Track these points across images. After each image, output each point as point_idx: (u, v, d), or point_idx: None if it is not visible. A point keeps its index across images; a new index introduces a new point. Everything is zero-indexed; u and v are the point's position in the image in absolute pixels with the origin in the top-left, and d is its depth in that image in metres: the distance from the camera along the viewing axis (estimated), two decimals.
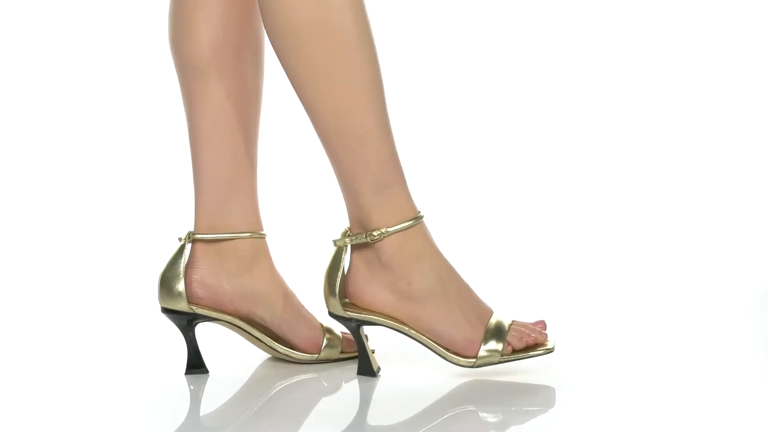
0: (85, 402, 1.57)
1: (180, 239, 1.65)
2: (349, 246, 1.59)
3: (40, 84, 2.82)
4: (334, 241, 1.60)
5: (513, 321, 1.60)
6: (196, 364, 1.65)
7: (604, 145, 2.72)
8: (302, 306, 1.69)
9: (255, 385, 1.62)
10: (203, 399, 1.58)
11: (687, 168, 2.62)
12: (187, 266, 1.64)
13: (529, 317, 1.82)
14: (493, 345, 1.57)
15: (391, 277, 1.58)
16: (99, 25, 2.85)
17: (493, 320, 1.58)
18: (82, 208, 2.59)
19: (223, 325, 1.66)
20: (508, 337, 1.58)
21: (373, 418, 1.50)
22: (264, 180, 1.74)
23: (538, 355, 1.58)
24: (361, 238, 1.58)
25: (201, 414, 1.53)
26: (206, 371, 1.66)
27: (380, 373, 1.62)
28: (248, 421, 1.48)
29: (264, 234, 1.68)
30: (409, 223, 1.57)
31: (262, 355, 1.72)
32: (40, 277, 2.32)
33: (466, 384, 1.57)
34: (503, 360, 1.57)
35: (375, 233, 1.57)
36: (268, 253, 1.68)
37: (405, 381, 1.60)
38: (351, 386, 1.59)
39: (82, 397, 1.59)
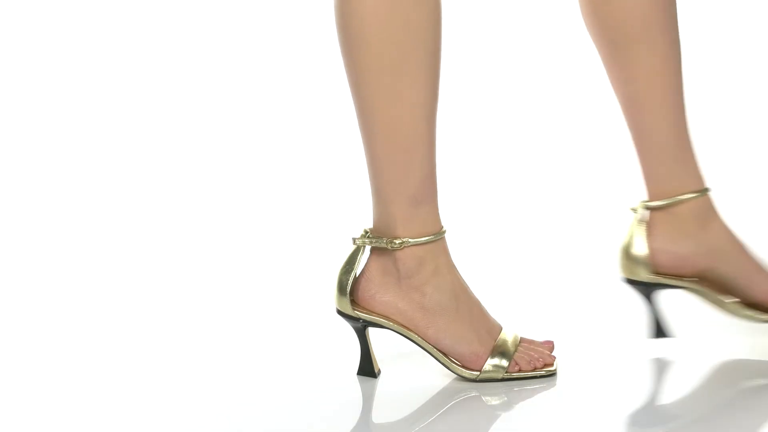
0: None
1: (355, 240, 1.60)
2: (367, 247, 1.59)
3: (63, 83, 2.83)
4: (354, 239, 1.59)
5: (521, 339, 1.60)
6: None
7: (602, 145, 2.73)
8: (759, 259, 1.65)
9: (256, 386, 1.62)
10: (203, 398, 1.59)
11: None
12: (648, 235, 1.62)
13: (530, 316, 1.84)
14: (498, 361, 1.57)
15: (406, 287, 1.57)
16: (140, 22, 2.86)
17: (501, 337, 1.59)
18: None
19: (687, 291, 1.65)
20: (517, 357, 1.58)
21: (378, 416, 1.51)
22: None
23: (541, 376, 1.58)
24: (381, 243, 1.57)
25: (193, 412, 1.54)
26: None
27: (380, 373, 1.62)
28: (249, 421, 1.49)
29: (709, 189, 1.65)
30: (432, 237, 1.57)
31: (267, 355, 1.72)
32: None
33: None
34: (507, 377, 1.57)
35: (396, 242, 1.56)
36: (716, 207, 1.65)
37: (406, 379, 1.60)
38: (352, 386, 1.60)
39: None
